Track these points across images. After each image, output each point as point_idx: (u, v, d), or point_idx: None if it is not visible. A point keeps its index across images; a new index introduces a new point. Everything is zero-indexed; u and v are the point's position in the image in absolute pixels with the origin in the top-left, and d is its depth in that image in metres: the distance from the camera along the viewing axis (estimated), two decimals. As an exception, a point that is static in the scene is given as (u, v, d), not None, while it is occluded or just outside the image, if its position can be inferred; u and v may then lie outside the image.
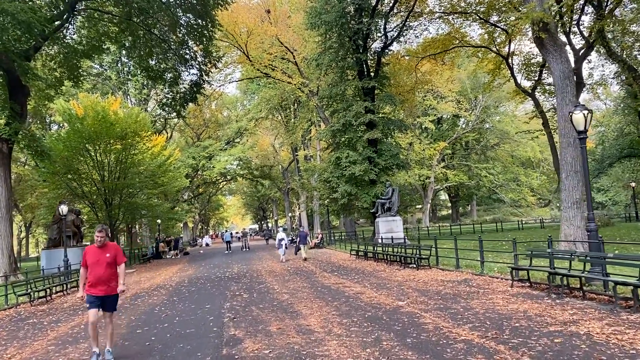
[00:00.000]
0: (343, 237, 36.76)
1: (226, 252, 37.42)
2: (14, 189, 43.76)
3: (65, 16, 23.80)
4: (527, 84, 33.08)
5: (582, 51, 26.95)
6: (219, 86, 52.74)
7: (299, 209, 63.56)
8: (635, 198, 45.95)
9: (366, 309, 9.37)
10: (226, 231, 52.70)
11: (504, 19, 29.89)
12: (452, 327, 7.37)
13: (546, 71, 30.44)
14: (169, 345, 7.72)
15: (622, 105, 44.32)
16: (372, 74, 32.19)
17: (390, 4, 32.60)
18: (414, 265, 16.13)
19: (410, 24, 33.26)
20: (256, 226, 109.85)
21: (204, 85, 30.32)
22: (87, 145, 27.97)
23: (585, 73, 32.70)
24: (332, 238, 37.58)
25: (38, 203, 40.24)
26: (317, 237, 35.58)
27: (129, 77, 47.66)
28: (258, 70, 40.93)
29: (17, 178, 47.04)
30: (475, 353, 5.98)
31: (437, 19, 32.61)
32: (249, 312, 10.15)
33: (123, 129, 28.39)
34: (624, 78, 32.54)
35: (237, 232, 75.62)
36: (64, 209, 21.32)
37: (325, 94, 33.01)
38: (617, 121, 49.54)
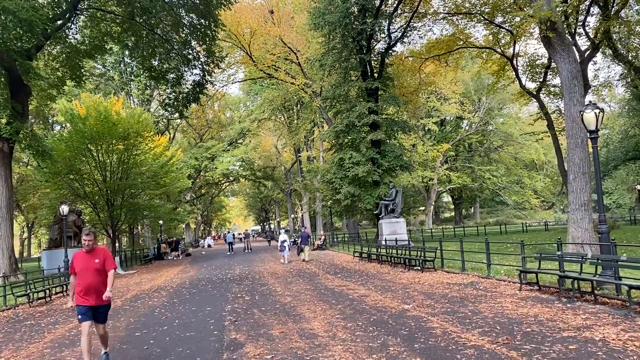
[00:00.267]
0: (346, 239, 36.52)
1: (228, 253, 37.21)
2: (17, 189, 43.73)
3: (67, 15, 23.66)
4: (531, 86, 32.81)
5: (587, 52, 26.67)
6: (222, 87, 52.71)
7: (301, 210, 63.32)
8: (640, 201, 45.55)
9: (371, 313, 9.12)
10: (228, 232, 52.53)
11: (508, 20, 29.63)
12: (461, 332, 7.12)
13: (551, 73, 30.18)
14: (168, 349, 7.49)
15: (627, 107, 44.01)
16: (375, 74, 31.97)
17: (394, 5, 32.39)
18: (419, 268, 15.88)
19: (414, 24, 33.01)
20: (258, 227, 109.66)
21: (207, 86, 30.16)
22: (89, 146, 27.77)
23: (590, 74, 32.39)
24: (335, 239, 37.33)
25: (40, 203, 40.09)
26: (319, 239, 35.35)
27: (132, 77, 47.56)
28: (261, 70, 40.78)
29: (20, 178, 47.01)
30: (487, 360, 5.73)
31: (442, 20, 32.34)
32: (250, 315, 9.92)
33: (125, 129, 28.19)
34: (630, 80, 32.27)
35: (239, 234, 75.43)
36: (64, 209, 21.13)
37: (329, 94, 32.81)
38: (621, 123, 49.19)
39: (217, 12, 25.42)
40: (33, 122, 40.55)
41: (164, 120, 50.70)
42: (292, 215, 68.03)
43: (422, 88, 38.54)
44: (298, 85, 39.12)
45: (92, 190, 29.17)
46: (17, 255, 39.53)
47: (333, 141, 34.53)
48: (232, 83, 65.78)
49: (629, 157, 41.43)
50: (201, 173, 57.63)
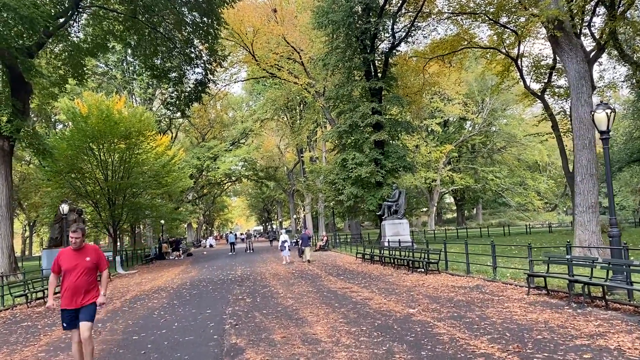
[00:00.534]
0: (348, 240, 36.26)
1: (230, 253, 37.00)
2: (18, 188, 43.65)
3: (69, 13, 23.50)
4: (536, 87, 32.53)
5: (592, 53, 26.38)
6: (224, 86, 52.53)
7: (303, 210, 63.10)
8: (645, 203, 45.20)
9: (375, 317, 8.89)
10: (230, 232, 52.31)
11: (513, 20, 29.36)
12: (469, 339, 6.88)
13: (556, 73, 29.90)
14: (166, 354, 7.26)
15: (631, 109, 43.64)
16: (379, 74, 31.72)
17: (399, 4, 32.13)
18: (422, 270, 15.64)
19: (419, 24, 32.77)
20: (261, 228, 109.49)
21: (209, 85, 29.95)
22: (90, 144, 27.60)
23: (595, 76, 32.09)
24: (337, 240, 37.09)
25: (42, 202, 39.93)
26: (321, 240, 35.12)
27: (134, 76, 47.43)
28: (264, 70, 40.57)
29: (22, 177, 46.90)
30: (498, 369, 5.49)
31: (446, 20, 32.06)
32: (251, 318, 9.69)
33: (127, 128, 28.02)
34: (635, 81, 31.96)
35: (241, 234, 75.20)
36: (65, 208, 20.97)
37: (332, 94, 32.56)
38: (626, 125, 48.78)
39: (219, 11, 25.20)
40: (35, 121, 40.45)
41: (166, 119, 50.56)
42: (295, 216, 67.83)
43: (425, 88, 38.31)
44: (301, 85, 38.88)
45: (93, 189, 29.00)
46: (18, 253, 39.45)
47: (336, 141, 34.29)
48: (235, 82, 65.57)
49: (633, 159, 40.96)
50: (203, 173, 57.47)
